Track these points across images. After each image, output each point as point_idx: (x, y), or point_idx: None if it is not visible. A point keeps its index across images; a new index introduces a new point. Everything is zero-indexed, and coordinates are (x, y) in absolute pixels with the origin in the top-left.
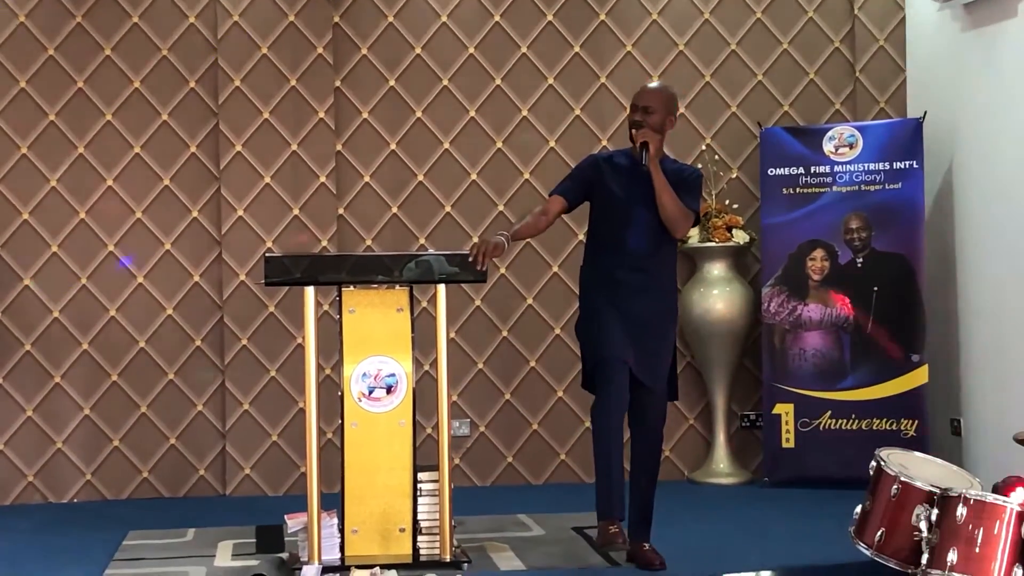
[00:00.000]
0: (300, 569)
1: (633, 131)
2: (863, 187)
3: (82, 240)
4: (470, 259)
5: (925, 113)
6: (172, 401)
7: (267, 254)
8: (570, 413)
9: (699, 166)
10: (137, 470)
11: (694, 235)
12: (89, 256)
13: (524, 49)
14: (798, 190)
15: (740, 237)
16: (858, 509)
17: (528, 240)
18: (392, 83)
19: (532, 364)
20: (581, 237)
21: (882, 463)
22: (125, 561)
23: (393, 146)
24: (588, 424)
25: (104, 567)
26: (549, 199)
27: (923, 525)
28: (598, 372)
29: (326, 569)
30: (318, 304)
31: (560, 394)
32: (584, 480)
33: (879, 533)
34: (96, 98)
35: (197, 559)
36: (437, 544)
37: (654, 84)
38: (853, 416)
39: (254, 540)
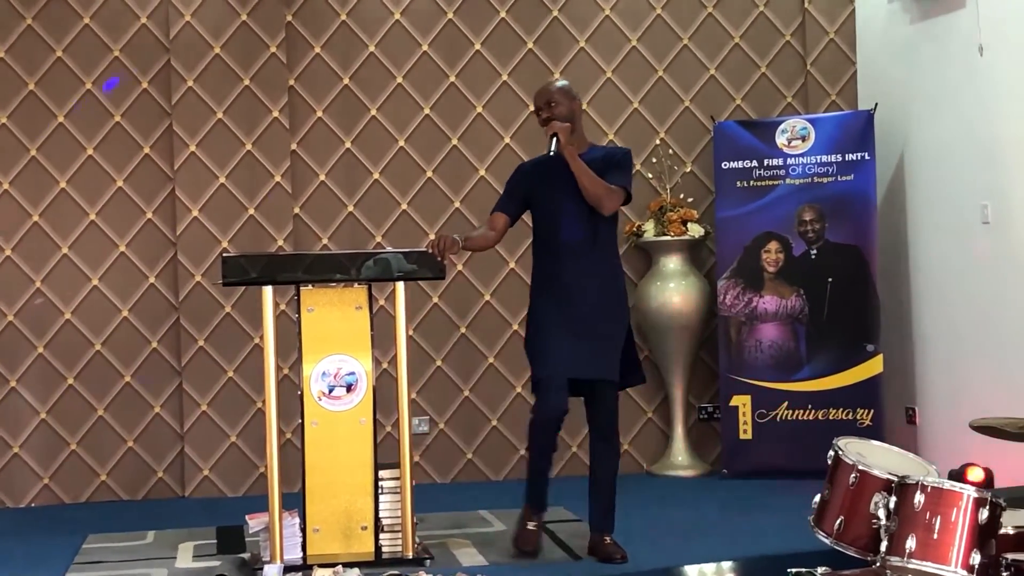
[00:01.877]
0: (262, 569)
1: (544, 127)
2: (816, 179)
3: (36, 243)
4: (428, 250)
5: (876, 105)
6: (129, 403)
7: (224, 254)
8: (528, 409)
9: (653, 160)
10: (95, 473)
11: (649, 229)
12: (43, 259)
13: (478, 46)
14: (752, 183)
15: (695, 230)
16: (817, 498)
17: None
18: (346, 81)
19: (490, 360)
20: None
21: (840, 452)
22: (86, 564)
23: (348, 144)
24: None
25: (65, 571)
26: (491, 216)
27: (881, 513)
28: (537, 389)
29: (288, 568)
30: (275, 303)
31: (519, 390)
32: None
33: (838, 521)
34: (48, 100)
35: (158, 561)
36: (399, 541)
37: (549, 82)
38: (810, 407)
39: (215, 541)
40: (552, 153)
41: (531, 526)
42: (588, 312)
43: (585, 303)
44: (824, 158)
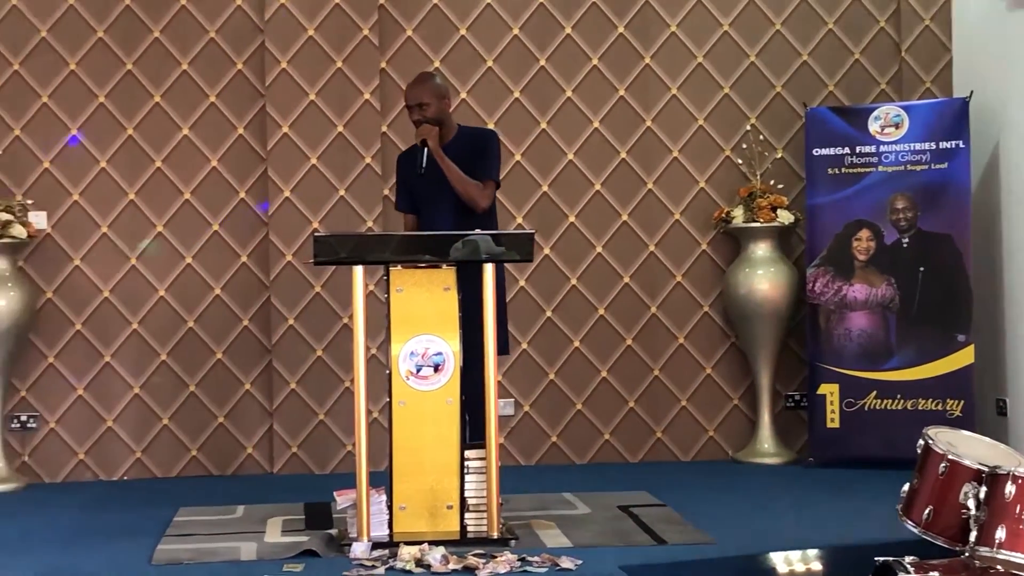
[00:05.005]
0: (349, 545)
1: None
2: (909, 167)
3: (132, 221)
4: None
5: (971, 92)
6: (220, 380)
7: (315, 234)
8: (614, 393)
9: (743, 146)
10: (186, 448)
11: (738, 215)
12: (139, 236)
13: (568, 30)
14: (843, 170)
15: (785, 217)
16: (905, 487)
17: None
18: (437, 64)
19: (576, 344)
20: (625, 218)
21: (930, 441)
22: (177, 537)
23: None
24: (632, 404)
25: (156, 543)
26: (405, 219)
27: (971, 503)
28: None
29: (375, 545)
30: (364, 284)
31: (604, 374)
32: (628, 460)
33: (927, 511)
34: (145, 80)
35: (247, 535)
36: (484, 521)
37: (420, 78)
38: (899, 396)
39: (303, 517)
40: (423, 165)
41: None
42: (466, 301)
43: (466, 293)
44: (917, 146)
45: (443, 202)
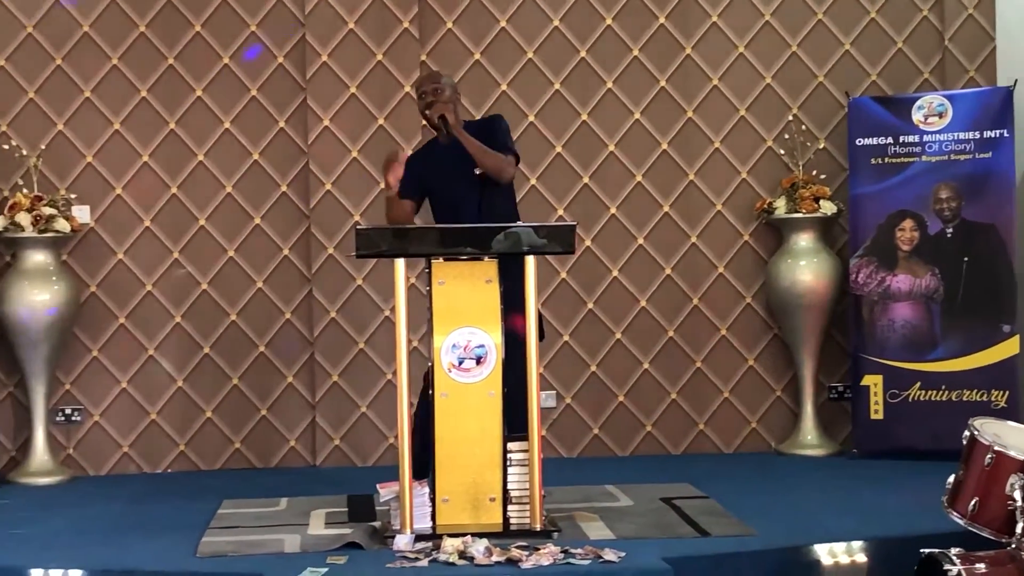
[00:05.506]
0: (393, 537)
1: (428, 112)
2: (952, 156)
3: (174, 214)
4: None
5: (1015, 81)
6: (263, 373)
7: (357, 227)
8: (656, 385)
9: (785, 136)
10: (229, 441)
11: (781, 206)
12: (181, 230)
13: (609, 21)
14: (886, 160)
15: (828, 208)
16: (951, 479)
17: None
18: (477, 57)
19: (618, 336)
20: (667, 209)
21: (976, 432)
22: (221, 529)
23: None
24: (675, 396)
25: (201, 535)
26: (397, 203)
27: (1017, 494)
28: None
29: (418, 538)
30: (406, 276)
31: (646, 366)
32: (670, 452)
33: (973, 502)
34: (186, 74)
35: (291, 527)
36: (527, 513)
37: (430, 73)
38: (943, 387)
39: (346, 509)
40: (447, 134)
41: None
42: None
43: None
44: (961, 135)
45: (463, 178)
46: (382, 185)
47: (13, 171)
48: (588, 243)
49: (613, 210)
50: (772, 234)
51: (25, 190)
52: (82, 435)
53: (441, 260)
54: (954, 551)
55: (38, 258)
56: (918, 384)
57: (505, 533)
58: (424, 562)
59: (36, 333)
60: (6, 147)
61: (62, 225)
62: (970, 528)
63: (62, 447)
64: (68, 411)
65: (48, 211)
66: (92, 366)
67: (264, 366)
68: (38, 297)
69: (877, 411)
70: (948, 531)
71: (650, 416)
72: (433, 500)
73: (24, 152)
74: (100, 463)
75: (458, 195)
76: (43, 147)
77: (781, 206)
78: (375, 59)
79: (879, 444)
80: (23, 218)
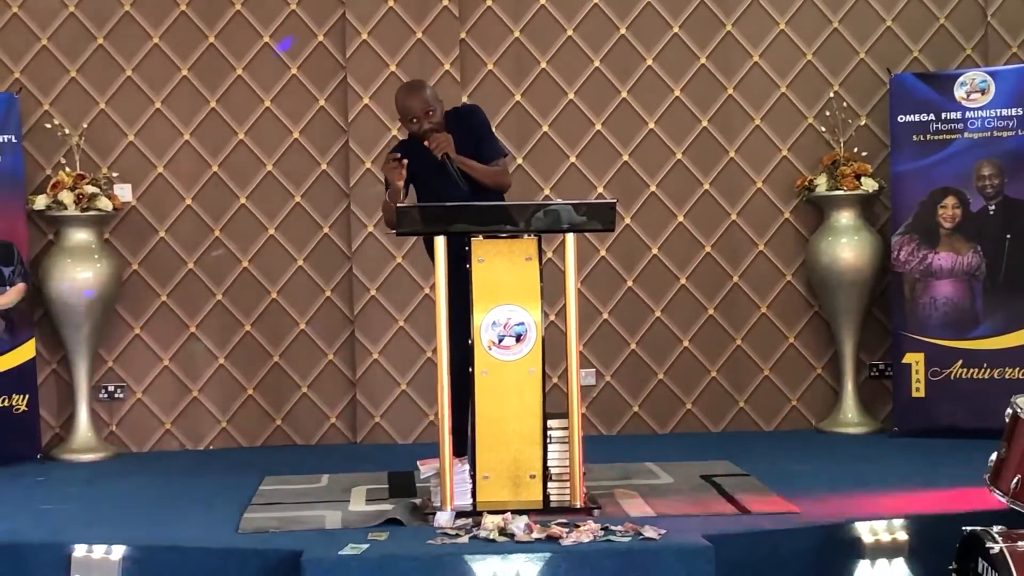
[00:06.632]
0: (434, 514)
1: (425, 143)
2: (995, 133)
3: (215, 193)
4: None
5: None
6: (303, 351)
7: (398, 205)
8: (696, 363)
9: (826, 113)
10: (271, 418)
11: (822, 183)
12: (222, 208)
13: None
14: (928, 137)
15: (869, 185)
16: (993, 456)
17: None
18: (516, 34)
19: (657, 314)
20: (707, 187)
21: (1018, 410)
22: (263, 505)
23: (518, 97)
24: (714, 374)
25: (243, 511)
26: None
27: None
28: None
29: (459, 514)
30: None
31: (686, 344)
32: (710, 429)
33: (1015, 480)
34: (227, 52)
35: (332, 503)
36: (567, 490)
37: (408, 88)
38: (985, 365)
39: (387, 486)
40: (455, 173)
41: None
42: None
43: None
44: (1004, 112)
45: (454, 186)
46: (382, 186)
47: (56, 150)
48: (628, 220)
49: (653, 187)
50: (813, 211)
51: (67, 169)
52: (125, 412)
53: (481, 237)
54: (996, 529)
55: (80, 236)
56: (960, 362)
57: (545, 510)
58: (465, 538)
59: (78, 311)
60: (48, 126)
61: (104, 203)
62: (1013, 506)
63: (105, 424)
64: (111, 388)
65: (90, 189)
66: (134, 344)
67: (305, 344)
68: (80, 275)
69: (919, 389)
70: (991, 509)
71: (690, 394)
72: (474, 477)
73: (66, 131)
74: (143, 440)
75: (445, 185)
76: (85, 126)
77: (822, 183)
78: (415, 37)
79: (920, 422)
80: (66, 196)
